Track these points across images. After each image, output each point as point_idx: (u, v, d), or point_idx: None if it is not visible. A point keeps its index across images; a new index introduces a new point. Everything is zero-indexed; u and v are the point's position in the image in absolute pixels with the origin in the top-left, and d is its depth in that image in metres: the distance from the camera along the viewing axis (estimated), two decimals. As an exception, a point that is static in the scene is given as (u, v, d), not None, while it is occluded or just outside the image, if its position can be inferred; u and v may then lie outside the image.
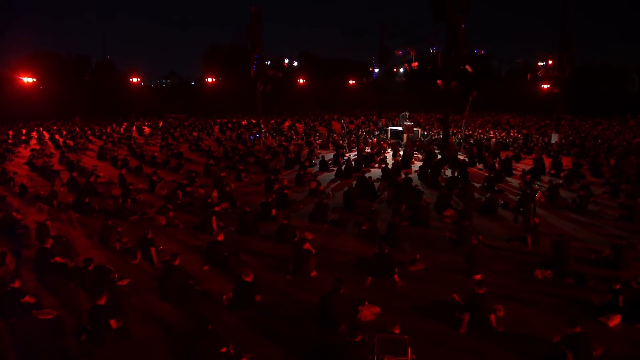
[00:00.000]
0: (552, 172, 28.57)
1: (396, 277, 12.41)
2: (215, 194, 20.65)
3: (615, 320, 10.33)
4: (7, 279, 11.02)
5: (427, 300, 11.50)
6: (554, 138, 44.67)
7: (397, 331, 8.78)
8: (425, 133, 49.68)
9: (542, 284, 12.58)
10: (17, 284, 10.45)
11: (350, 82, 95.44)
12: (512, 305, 11.10)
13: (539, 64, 67.68)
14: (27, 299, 10.48)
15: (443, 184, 24.35)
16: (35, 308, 10.47)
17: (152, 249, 13.82)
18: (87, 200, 19.44)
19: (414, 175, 27.06)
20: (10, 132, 52.53)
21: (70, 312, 10.76)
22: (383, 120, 59.00)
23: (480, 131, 54.81)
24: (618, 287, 10.84)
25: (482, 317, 10.02)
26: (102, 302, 9.49)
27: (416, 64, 52.47)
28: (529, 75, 54.37)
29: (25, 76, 67.86)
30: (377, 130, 52.65)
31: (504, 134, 52.94)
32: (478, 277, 12.39)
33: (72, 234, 16.63)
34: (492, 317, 10.07)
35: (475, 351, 9.37)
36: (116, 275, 12.27)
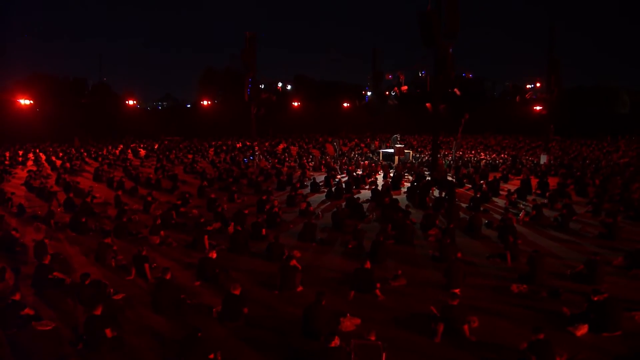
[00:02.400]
0: (538, 192, 29.26)
1: (378, 291, 13.03)
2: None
3: (582, 330, 10.96)
4: (7, 292, 11.63)
5: (407, 313, 12.14)
6: (543, 159, 45.51)
7: (372, 338, 9.41)
8: (417, 155, 50.48)
9: (518, 297, 13.21)
10: (17, 297, 11.06)
11: (345, 104, 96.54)
12: (487, 317, 11.74)
13: (527, 86, 68.92)
14: (27, 311, 11.06)
15: (430, 204, 25.01)
16: (34, 320, 11.04)
17: (146, 265, 14.44)
18: (83, 220, 20.07)
19: (402, 196, 27.80)
20: (7, 154, 53.08)
21: (68, 324, 11.33)
22: (376, 142, 59.87)
23: (473, 152, 55.67)
24: (596, 299, 11.40)
25: (456, 328, 10.66)
26: (98, 312, 10.12)
27: (406, 87, 53.38)
28: (517, 98, 55.52)
29: (22, 98, 68.66)
30: (369, 153, 53.46)
31: (494, 155, 53.79)
32: (456, 291, 13.00)
33: (69, 252, 17.23)
34: (466, 327, 10.70)
35: (448, 358, 9.98)
36: (111, 290, 12.89)
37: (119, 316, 11.48)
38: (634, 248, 15.97)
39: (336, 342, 8.95)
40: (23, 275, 14.47)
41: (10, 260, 15.82)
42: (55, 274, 13.63)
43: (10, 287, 12.99)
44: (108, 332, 9.96)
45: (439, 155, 43.10)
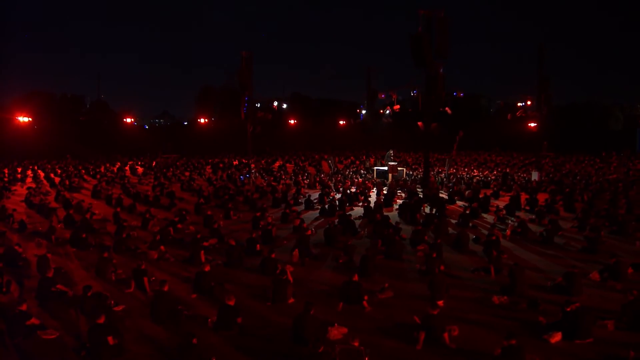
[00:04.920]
0: (527, 208, 29.99)
1: (365, 303, 13.74)
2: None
3: (556, 338, 11.66)
4: (13, 304, 12.34)
5: (391, 322, 12.85)
6: (534, 175, 46.22)
7: (356, 344, 10.11)
8: (410, 172, 51.24)
9: (498, 308, 13.94)
10: (24, 308, 11.75)
11: (341, 122, 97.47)
12: (467, 326, 12.45)
13: (519, 104, 69.96)
14: (33, 321, 11.74)
15: (421, 221, 25.71)
16: (39, 329, 11.71)
17: (145, 279, 15.14)
18: (84, 235, 20.77)
19: (395, 213, 28.54)
20: (6, 171, 53.61)
21: (71, 333, 12.02)
22: (372, 159, 60.67)
23: (467, 170, 56.38)
24: (569, 309, 12.12)
25: (436, 335, 11.36)
26: (101, 320, 10.82)
27: (398, 106, 54.21)
28: (509, 116, 56.38)
29: (20, 115, 69.32)
30: (364, 170, 54.24)
31: (486, 172, 54.52)
32: (440, 302, 13.71)
33: (70, 267, 17.90)
34: (446, 335, 11.40)
35: (428, 364, 10.70)
36: (112, 302, 13.55)
37: (120, 326, 12.13)
38: (612, 261, 16.65)
39: (322, 348, 9.65)
40: (26, 288, 15.18)
41: (14, 274, 16.44)
42: (58, 286, 14.31)
43: (15, 299, 13.68)
44: (110, 340, 10.62)
45: (432, 173, 44.01)
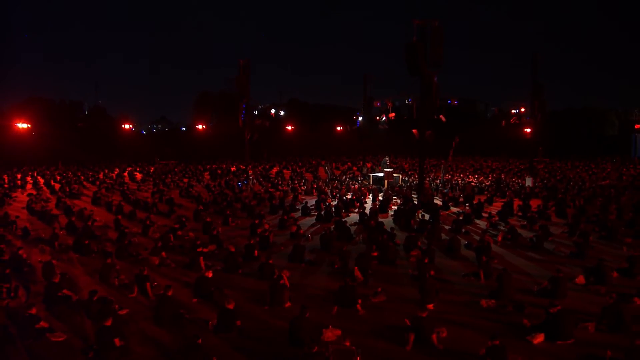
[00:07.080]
0: (520, 213, 30.59)
1: (359, 306, 14.37)
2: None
3: (539, 339, 12.29)
4: (21, 308, 12.96)
5: (383, 325, 13.48)
6: (528, 181, 46.85)
7: (347, 344, 10.73)
8: (406, 179, 51.84)
9: (486, 311, 14.55)
10: (33, 311, 12.37)
11: (338, 128, 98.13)
12: (455, 328, 13.08)
13: (512, 111, 70.79)
14: (42, 324, 12.35)
15: (415, 227, 26.29)
16: (48, 332, 12.32)
17: (148, 284, 15.75)
18: (86, 242, 21.36)
19: (390, 219, 29.14)
20: (5, 177, 53.92)
21: (78, 336, 12.63)
22: (369, 164, 61.24)
23: (462, 176, 56.97)
24: (552, 312, 12.75)
25: (425, 337, 11.99)
26: (108, 323, 11.45)
27: (393, 114, 54.85)
28: (503, 122, 57.17)
29: (19, 122, 69.71)
30: (360, 176, 54.84)
31: (481, 178, 55.10)
32: (430, 306, 14.33)
33: (74, 272, 18.45)
34: (434, 336, 12.03)
35: (417, 363, 11.33)
36: (117, 306, 14.16)
37: (125, 328, 12.74)
38: (594, 265, 17.35)
39: (316, 348, 10.29)
40: (32, 293, 15.74)
41: (20, 279, 17.01)
42: (64, 291, 14.92)
43: (22, 303, 14.30)
44: (117, 342, 11.24)
45: (427, 179, 44.60)
